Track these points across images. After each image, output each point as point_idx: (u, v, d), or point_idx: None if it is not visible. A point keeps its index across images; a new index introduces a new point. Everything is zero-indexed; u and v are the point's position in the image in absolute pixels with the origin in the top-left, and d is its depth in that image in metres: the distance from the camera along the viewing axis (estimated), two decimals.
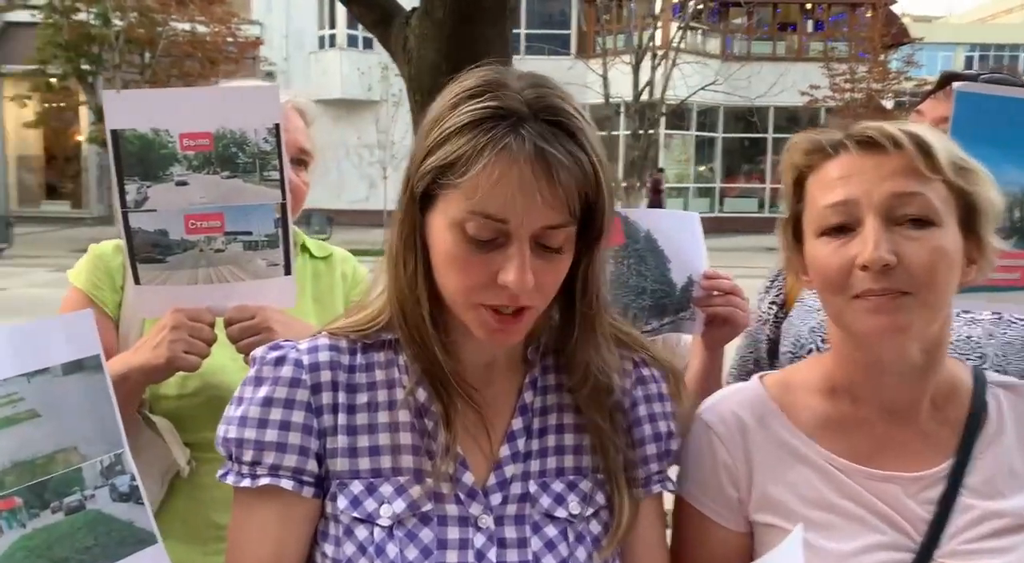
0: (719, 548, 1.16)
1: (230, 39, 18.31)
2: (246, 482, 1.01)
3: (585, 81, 19.51)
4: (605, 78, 18.64)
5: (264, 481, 1.01)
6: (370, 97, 21.64)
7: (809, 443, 1.13)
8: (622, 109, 20.40)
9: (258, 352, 1.06)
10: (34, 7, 17.50)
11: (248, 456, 1.01)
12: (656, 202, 21.30)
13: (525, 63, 19.65)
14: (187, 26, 17.66)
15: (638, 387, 1.12)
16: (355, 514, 1.01)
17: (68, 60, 16.94)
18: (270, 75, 20.60)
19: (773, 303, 1.85)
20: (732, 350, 1.90)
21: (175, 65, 17.24)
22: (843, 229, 1.05)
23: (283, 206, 1.39)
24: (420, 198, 0.98)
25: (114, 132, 1.33)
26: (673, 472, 1.17)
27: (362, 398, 1.04)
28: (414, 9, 3.01)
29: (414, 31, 2.96)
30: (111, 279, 1.51)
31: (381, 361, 1.06)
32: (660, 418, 1.12)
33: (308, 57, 22.94)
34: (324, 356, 1.05)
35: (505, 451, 1.06)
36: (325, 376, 1.04)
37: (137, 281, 1.38)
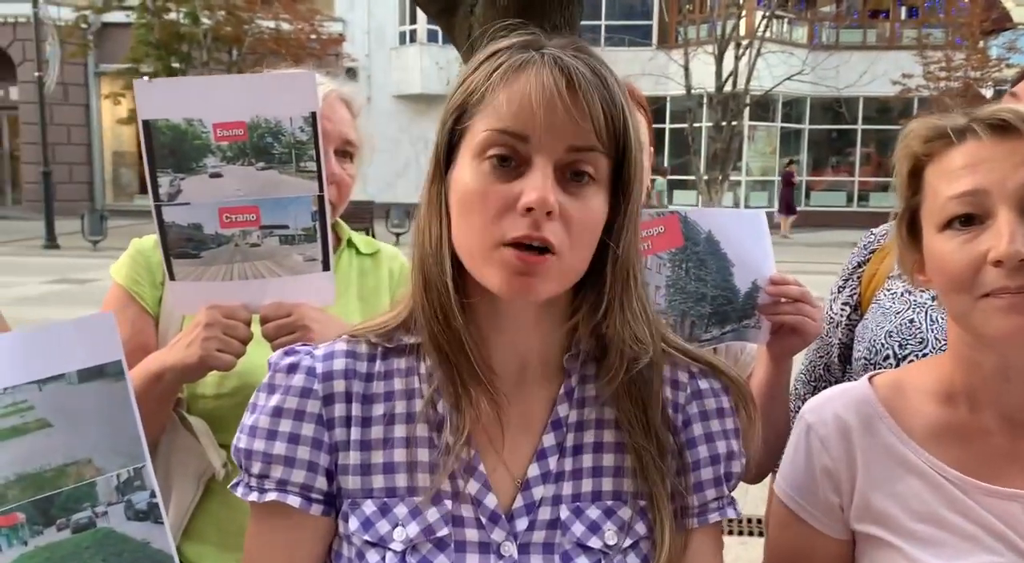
0: (817, 554, 1.09)
1: (313, 36, 18.61)
2: (254, 496, 0.95)
3: (666, 72, 19.18)
4: (686, 69, 18.26)
5: (271, 496, 0.94)
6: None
7: (920, 452, 1.04)
8: (704, 101, 19.96)
9: (273, 357, 0.99)
10: (128, 8, 18.10)
11: (256, 469, 0.94)
12: (788, 196, 20.80)
13: (605, 54, 19.46)
14: (272, 24, 18.02)
15: (693, 402, 1.00)
16: (366, 537, 0.92)
17: (159, 58, 17.47)
18: (351, 71, 20.85)
19: (846, 304, 1.71)
20: (800, 354, 1.77)
21: (260, 62, 17.61)
22: (970, 221, 0.95)
23: (320, 198, 1.33)
24: (445, 155, 0.92)
25: (146, 123, 1.28)
26: (738, 494, 1.06)
27: (378, 410, 0.96)
28: None
29: (478, 19, 2.88)
30: (151, 275, 1.47)
31: (401, 368, 0.98)
32: (719, 437, 1.00)
33: (389, 53, 23.14)
34: (339, 364, 0.97)
35: (534, 470, 0.95)
36: (339, 386, 0.96)
37: (172, 277, 1.34)
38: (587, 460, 0.97)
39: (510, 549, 0.92)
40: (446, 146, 0.92)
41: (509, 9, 2.78)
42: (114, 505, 1.01)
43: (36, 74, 17.40)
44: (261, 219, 1.32)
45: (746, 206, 23.82)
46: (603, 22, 24.15)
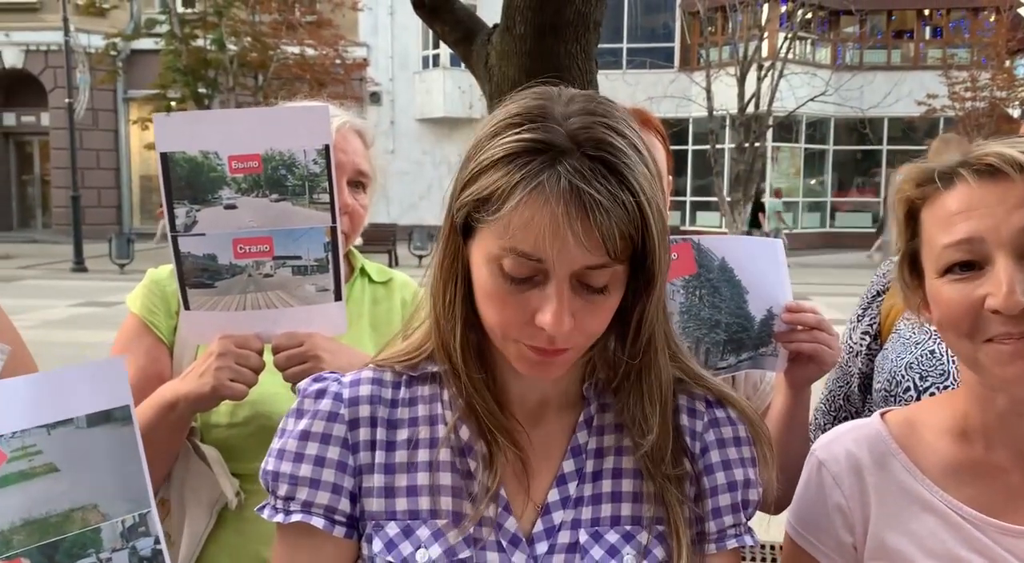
0: None
1: (337, 61, 18.84)
2: (279, 517, 0.97)
3: (688, 94, 19.19)
4: (708, 90, 18.27)
5: (296, 517, 0.96)
6: (471, 115, 21.90)
7: (934, 490, 1.02)
8: (727, 122, 19.95)
9: (303, 384, 1.02)
10: (156, 35, 18.45)
11: (283, 491, 0.97)
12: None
13: (627, 77, 19.52)
14: (296, 49, 18.26)
15: (711, 430, 1.01)
16: (389, 558, 0.94)
17: (186, 84, 17.76)
18: (375, 95, 21.10)
19: (866, 333, 1.69)
20: (820, 384, 1.75)
21: (285, 87, 17.83)
22: (969, 266, 0.94)
23: (333, 230, 1.34)
24: (461, 228, 0.91)
25: (164, 155, 1.30)
26: (756, 522, 1.06)
27: (402, 434, 0.98)
28: (496, 26, 2.96)
29: (495, 48, 2.91)
30: (166, 304, 1.49)
31: (425, 395, 1.00)
32: (736, 465, 1.00)
33: (412, 77, 23.37)
34: (365, 390, 0.99)
35: (554, 496, 0.97)
36: (364, 411, 0.98)
37: (187, 306, 1.35)
38: (606, 485, 0.98)
39: None
40: (462, 225, 0.91)
41: (525, 38, 2.80)
42: (119, 551, 1.00)
43: (66, 100, 17.75)
44: (274, 250, 1.34)
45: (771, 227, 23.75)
46: (625, 45, 24.26)
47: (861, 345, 1.70)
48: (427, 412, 0.99)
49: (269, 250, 1.34)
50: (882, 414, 1.12)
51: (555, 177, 0.83)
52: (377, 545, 0.95)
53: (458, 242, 0.92)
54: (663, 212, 0.89)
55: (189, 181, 1.31)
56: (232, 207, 1.32)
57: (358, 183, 1.56)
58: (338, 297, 1.36)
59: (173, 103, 18.84)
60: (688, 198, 24.75)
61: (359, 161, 1.55)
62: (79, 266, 16.94)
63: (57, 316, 11.27)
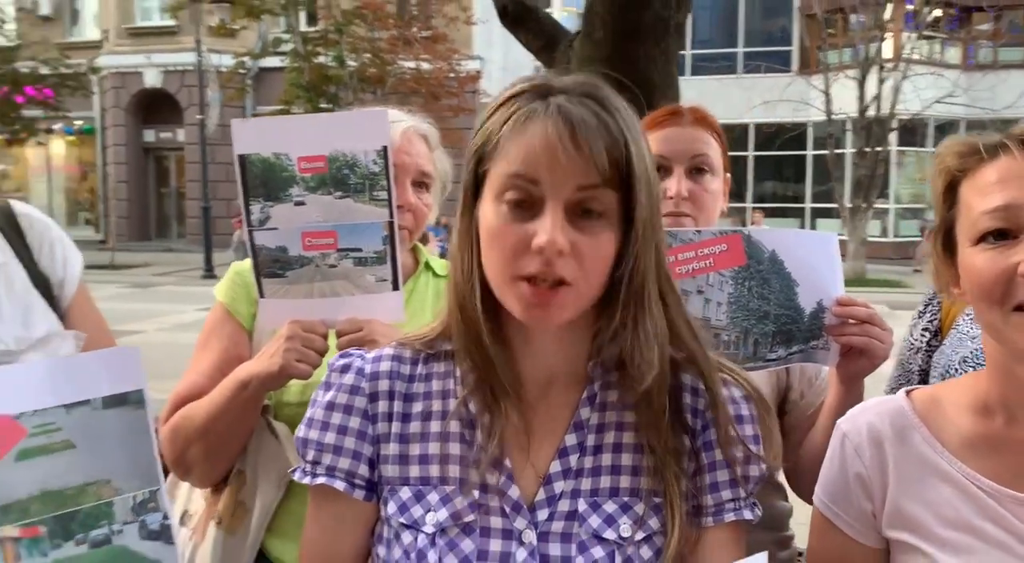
0: (851, 561, 1.11)
1: (450, 74, 19.26)
2: (307, 480, 1.07)
3: (806, 98, 18.65)
4: (827, 94, 17.74)
5: (320, 480, 1.06)
6: None
7: (953, 461, 1.05)
8: (848, 126, 19.28)
9: (332, 359, 1.11)
10: (282, 53, 19.35)
11: (310, 455, 1.07)
12: None
13: (742, 81, 19.06)
14: (412, 64, 18.78)
15: (711, 408, 1.05)
16: (402, 520, 1.03)
17: (308, 100, 18.54)
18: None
19: (926, 330, 1.68)
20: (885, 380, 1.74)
21: (401, 101, 18.39)
22: (1003, 235, 0.97)
23: (391, 224, 1.45)
24: (472, 192, 1.01)
25: (241, 157, 1.44)
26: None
27: (417, 407, 1.07)
28: (578, 32, 3.05)
29: (576, 54, 2.99)
30: (247, 293, 1.63)
31: (440, 372, 1.08)
32: (736, 442, 1.04)
33: None
34: (385, 366, 1.08)
35: (556, 467, 1.03)
36: (383, 385, 1.07)
37: (261, 294, 1.49)
38: (606, 459, 1.04)
39: (530, 537, 1.00)
40: (472, 184, 1.01)
41: (604, 44, 2.88)
42: (129, 524, 1.09)
43: (198, 117, 18.84)
44: (338, 243, 1.46)
45: (895, 235, 22.76)
46: (740, 49, 23.84)
47: (921, 341, 1.69)
48: (440, 387, 1.07)
49: (333, 243, 1.46)
50: (907, 391, 1.15)
51: (545, 105, 0.96)
52: (392, 507, 1.04)
53: (471, 205, 1.01)
54: (644, 152, 0.98)
55: (263, 180, 1.45)
56: (301, 203, 1.45)
57: (421, 183, 1.67)
58: (395, 287, 1.47)
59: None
60: (808, 204, 24.04)
61: (423, 163, 1.66)
62: (208, 273, 17.92)
63: (187, 320, 11.97)
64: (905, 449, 1.08)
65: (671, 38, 2.90)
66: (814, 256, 1.47)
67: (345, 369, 1.09)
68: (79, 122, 24.03)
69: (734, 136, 21.12)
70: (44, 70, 20.22)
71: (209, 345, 1.62)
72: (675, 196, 1.60)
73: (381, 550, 1.05)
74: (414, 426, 1.06)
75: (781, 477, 1.70)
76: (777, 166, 24.40)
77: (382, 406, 1.07)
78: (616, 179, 0.95)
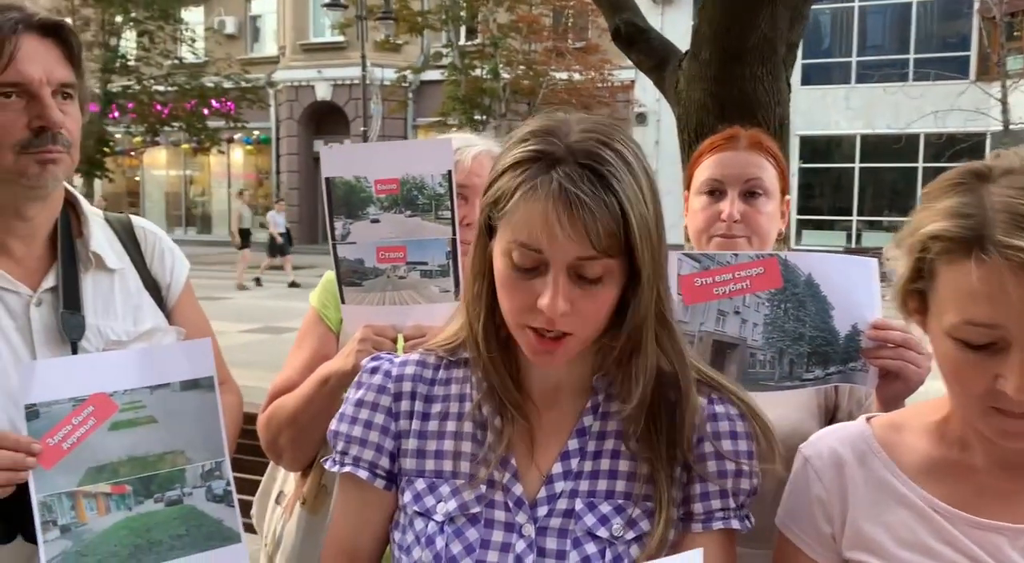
0: None
1: (601, 84, 19.40)
2: (335, 468, 1.22)
3: (983, 106, 17.51)
4: (1004, 102, 16.59)
5: (347, 469, 1.20)
6: None
7: (911, 485, 1.09)
8: None
9: (364, 360, 1.26)
10: (441, 67, 20.13)
11: (340, 446, 1.21)
12: None
13: (909, 89, 18.04)
14: (564, 75, 19.07)
15: (707, 423, 1.14)
16: (416, 508, 1.16)
17: (464, 112, 19.21)
18: (641, 117, 21.41)
19: None
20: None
21: (554, 112, 18.62)
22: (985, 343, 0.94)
23: (454, 241, 1.61)
24: (486, 228, 1.11)
25: (327, 179, 1.64)
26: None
27: (436, 408, 1.20)
28: (687, 52, 3.10)
29: (684, 73, 3.05)
30: (335, 300, 1.83)
31: (459, 377, 1.21)
32: (729, 456, 1.12)
33: None
34: (410, 370, 1.22)
35: (558, 468, 1.14)
36: (407, 387, 1.21)
37: (343, 301, 1.68)
38: (605, 464, 1.14)
39: (530, 530, 1.11)
40: (487, 227, 1.11)
41: (710, 64, 2.93)
42: (198, 488, 1.31)
43: (362, 129, 19.86)
44: (407, 256, 1.63)
45: None
46: (912, 55, 22.63)
47: None
48: (458, 391, 1.20)
49: (403, 257, 1.63)
50: (868, 418, 1.19)
51: (548, 180, 1.01)
52: (408, 496, 1.18)
53: (484, 241, 1.12)
54: (647, 217, 1.03)
55: (345, 200, 1.63)
56: (376, 221, 1.63)
57: None
58: (457, 297, 1.62)
59: (454, 129, 20.41)
60: None
61: None
62: None
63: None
64: (864, 473, 1.12)
65: (778, 56, 2.91)
66: (851, 280, 1.51)
67: (374, 371, 1.23)
68: (256, 132, 25.88)
69: (900, 147, 20.07)
70: (227, 84, 21.91)
71: (302, 345, 1.82)
72: (727, 218, 1.67)
73: (397, 535, 1.18)
74: (432, 425, 1.19)
75: None
76: None
77: (404, 405, 1.20)
78: (616, 247, 1.02)
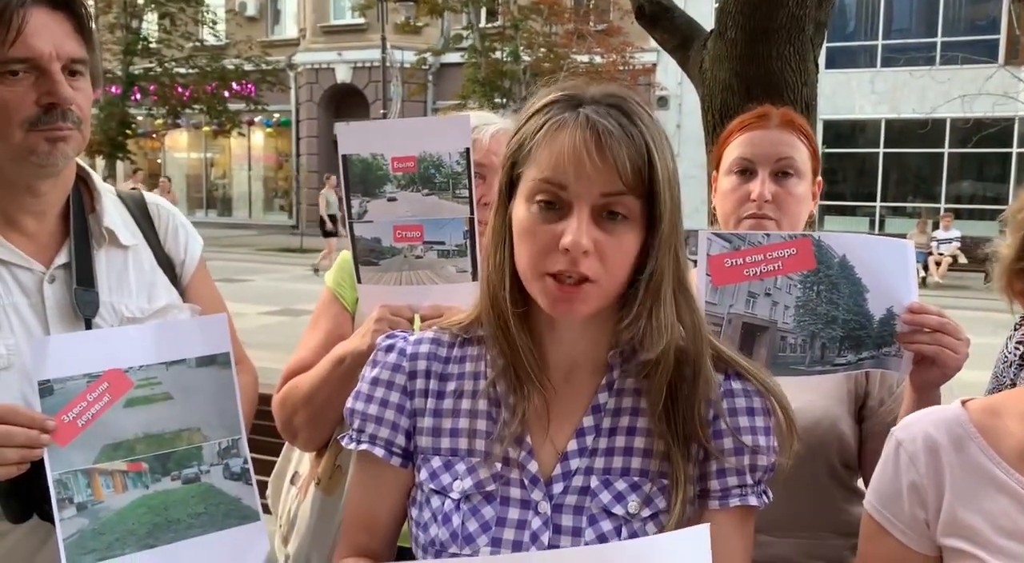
0: None
1: (622, 67, 19.25)
2: (352, 445, 1.21)
3: (1012, 91, 17.22)
4: None
5: (363, 446, 1.19)
6: None
7: (1010, 472, 1.07)
8: None
9: (379, 340, 1.24)
10: (462, 49, 20.06)
11: (356, 424, 1.21)
12: None
13: (936, 73, 17.84)
14: (585, 58, 18.94)
15: (724, 399, 1.12)
16: (432, 486, 1.15)
17: (483, 94, 19.13)
18: (663, 100, 21.24)
19: (1021, 343, 1.63)
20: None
21: None
22: None
23: (471, 220, 1.58)
24: (507, 190, 1.11)
25: (344, 157, 1.61)
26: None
27: (451, 386, 1.19)
28: (712, 31, 3.05)
29: (709, 53, 3.00)
30: (351, 279, 1.81)
31: (473, 355, 1.20)
32: (745, 432, 1.11)
33: None
34: (424, 348, 1.21)
35: (573, 445, 1.13)
36: (422, 365, 1.19)
37: (359, 280, 1.66)
38: (620, 441, 1.13)
39: (545, 508, 1.10)
40: (507, 185, 1.12)
41: (736, 43, 2.87)
42: (215, 466, 1.29)
43: (382, 112, 19.83)
44: (424, 236, 1.60)
45: None
46: (939, 39, 22.28)
47: (1015, 354, 1.64)
48: (473, 369, 1.19)
49: (420, 236, 1.60)
50: (963, 401, 1.15)
51: (575, 115, 1.04)
52: (424, 474, 1.17)
53: (505, 204, 1.11)
54: (669, 165, 1.05)
55: (362, 178, 1.61)
56: (393, 199, 1.60)
57: None
58: (475, 277, 1.59)
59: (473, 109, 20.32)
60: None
61: None
62: None
63: None
64: (961, 458, 1.09)
65: (805, 35, 2.85)
66: (886, 263, 1.46)
67: (389, 349, 1.22)
68: (277, 115, 25.89)
69: (926, 132, 19.80)
70: (247, 67, 21.92)
71: (317, 325, 1.80)
72: (757, 199, 1.62)
73: (414, 512, 1.18)
74: (447, 403, 1.18)
75: (859, 483, 1.69)
76: (976, 165, 22.66)
77: (420, 383, 1.19)
78: (640, 186, 1.03)
